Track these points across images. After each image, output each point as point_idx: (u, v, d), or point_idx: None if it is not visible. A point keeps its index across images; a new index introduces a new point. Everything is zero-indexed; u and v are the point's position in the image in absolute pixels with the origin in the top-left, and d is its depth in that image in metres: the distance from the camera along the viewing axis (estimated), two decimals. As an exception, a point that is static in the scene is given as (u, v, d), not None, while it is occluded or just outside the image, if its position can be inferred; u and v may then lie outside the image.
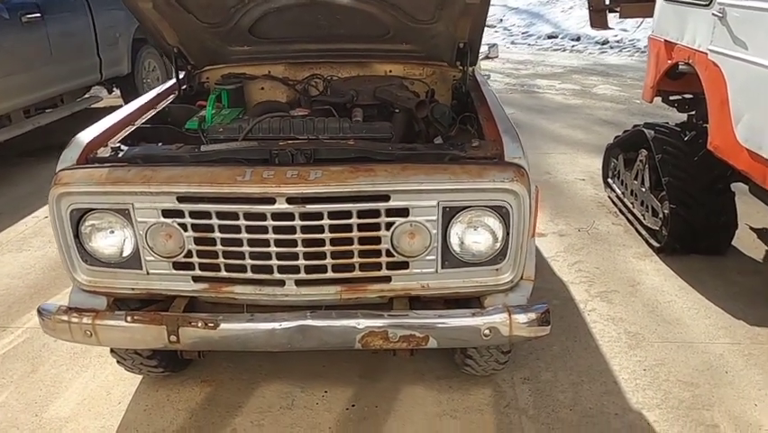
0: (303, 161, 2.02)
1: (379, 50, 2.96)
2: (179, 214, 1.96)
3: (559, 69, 9.76)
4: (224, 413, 2.51)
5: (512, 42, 13.19)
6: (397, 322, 1.98)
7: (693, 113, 4.16)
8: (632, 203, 4.15)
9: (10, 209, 4.49)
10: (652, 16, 4.29)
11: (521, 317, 1.99)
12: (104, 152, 2.12)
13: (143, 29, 2.60)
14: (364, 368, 2.72)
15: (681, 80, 3.94)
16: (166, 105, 2.71)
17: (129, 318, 2.00)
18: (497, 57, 3.80)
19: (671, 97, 4.27)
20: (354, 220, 1.94)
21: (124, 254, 2.06)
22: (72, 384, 2.70)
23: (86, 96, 6.58)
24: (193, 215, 1.96)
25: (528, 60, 10.52)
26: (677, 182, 3.54)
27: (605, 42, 12.01)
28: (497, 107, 2.42)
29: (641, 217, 3.98)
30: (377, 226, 1.96)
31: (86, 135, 2.18)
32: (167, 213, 1.96)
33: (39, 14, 5.43)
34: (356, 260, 2.00)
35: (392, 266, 2.02)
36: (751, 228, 4.03)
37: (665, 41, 3.96)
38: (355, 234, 1.96)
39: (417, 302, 2.13)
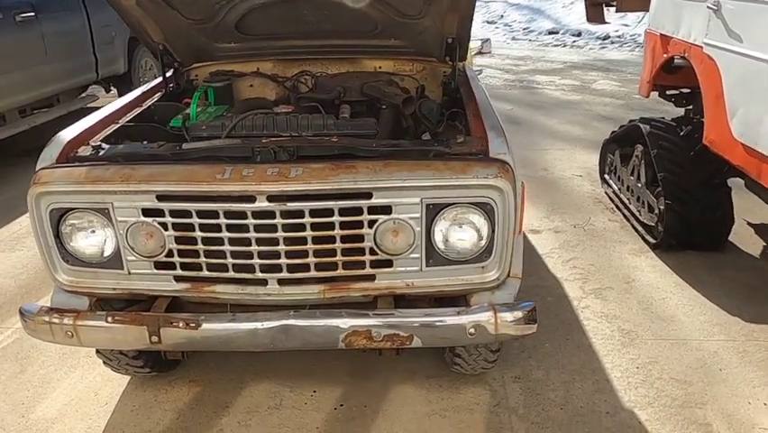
0: (286, 159, 1.99)
1: (369, 45, 2.93)
2: (159, 213, 1.93)
3: (559, 65, 9.70)
4: (211, 413, 2.49)
5: (513, 38, 13.15)
6: (380, 321, 1.95)
7: (690, 107, 4.12)
8: (628, 199, 4.11)
9: (5, 209, 4.48)
10: (648, 10, 4.25)
11: (507, 316, 1.96)
12: (84, 151, 2.10)
13: (128, 26, 2.57)
14: (354, 367, 2.69)
15: (678, 75, 3.90)
16: (152, 104, 2.68)
17: (110, 319, 1.98)
18: (490, 52, 3.79)
19: (667, 92, 4.23)
20: (336, 218, 1.91)
21: (105, 254, 2.03)
22: (60, 385, 2.68)
23: (83, 95, 6.57)
24: (173, 213, 1.93)
25: (528, 56, 10.46)
26: (672, 177, 3.50)
27: (606, 38, 11.95)
28: (484, 103, 2.39)
29: (637, 213, 3.94)
30: (359, 224, 1.93)
31: (67, 134, 2.16)
32: (147, 212, 1.94)
33: (33, 14, 5.41)
34: (339, 258, 1.97)
35: (376, 264, 1.99)
36: (749, 224, 3.99)
37: (661, 34, 3.92)
38: (337, 232, 1.93)
39: (404, 301, 2.10)
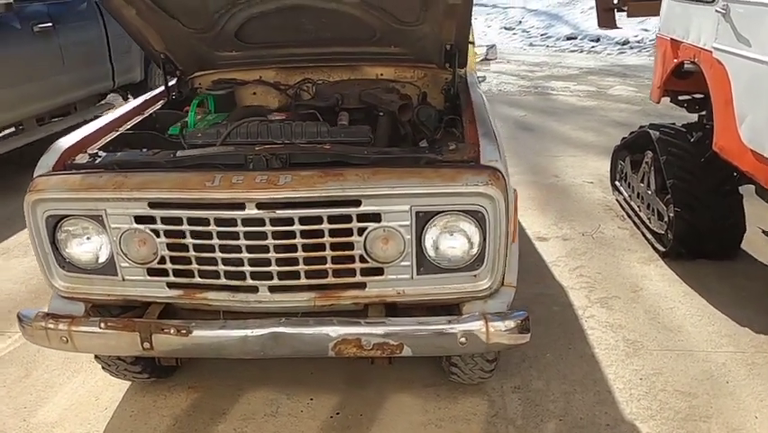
0: (278, 166, 1.99)
1: (369, 53, 2.93)
2: (151, 220, 1.95)
3: (575, 71, 9.61)
4: (207, 420, 2.49)
5: (530, 44, 13.06)
6: (370, 330, 1.94)
7: (704, 113, 4.04)
8: (638, 206, 4.04)
9: (18, 216, 4.54)
10: (659, 15, 4.19)
11: (499, 325, 1.93)
12: (81, 159, 2.13)
13: (129, 35, 2.60)
14: (351, 375, 2.68)
15: (689, 80, 3.83)
16: (153, 112, 2.71)
17: (102, 325, 2.00)
18: (495, 58, 3.75)
19: (679, 97, 4.16)
20: (326, 225, 1.91)
21: (100, 261, 2.06)
22: (62, 389, 2.72)
23: (102, 102, 6.68)
24: (165, 221, 1.94)
25: (544, 62, 10.39)
26: (682, 184, 3.43)
27: (625, 43, 11.80)
28: (480, 110, 2.37)
29: (647, 221, 3.87)
30: (349, 232, 1.92)
31: (65, 142, 2.19)
32: (139, 219, 1.96)
33: (50, 24, 5.53)
34: (329, 266, 1.97)
35: (366, 272, 1.98)
36: (764, 232, 3.89)
37: (671, 39, 3.86)
38: (327, 239, 1.92)
39: (396, 309, 2.09)
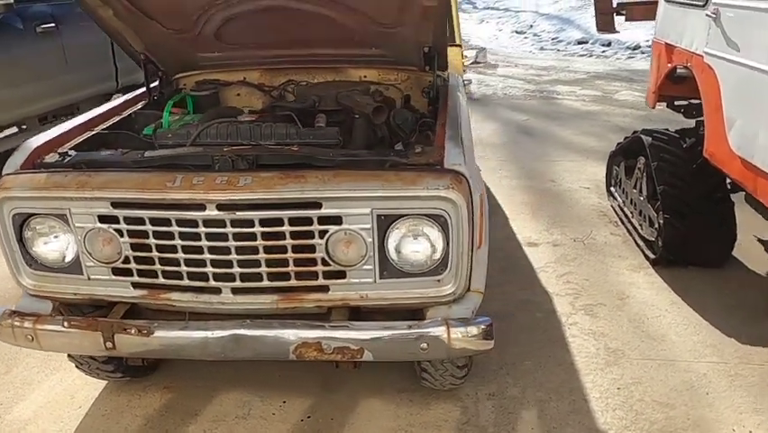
0: (244, 168, 1.99)
1: (352, 55, 2.91)
2: (115, 219, 1.95)
3: (582, 75, 9.52)
4: (179, 421, 2.49)
5: (541, 48, 12.97)
6: (330, 334, 1.92)
7: (702, 119, 3.97)
8: (631, 212, 3.99)
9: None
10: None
11: (461, 331, 1.90)
12: (51, 158, 2.14)
13: (108, 36, 2.62)
14: (326, 378, 2.66)
15: (683, 85, 3.77)
16: (133, 112, 2.72)
17: (66, 324, 2.01)
18: (485, 62, 3.72)
19: (675, 103, 4.09)
20: (287, 228, 1.89)
21: (67, 259, 2.06)
22: (40, 387, 2.73)
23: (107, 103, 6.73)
24: (127, 220, 1.95)
25: (552, 66, 10.31)
26: (672, 191, 3.38)
27: (636, 47, 11.67)
28: (453, 113, 2.34)
29: (639, 228, 3.81)
30: (310, 234, 1.91)
31: (35, 141, 2.20)
32: (103, 218, 1.96)
33: (53, 25, 5.59)
34: (291, 268, 1.96)
35: (329, 275, 1.97)
36: (759, 240, 3.81)
37: (666, 44, 3.80)
38: (288, 241, 1.91)
39: (361, 313, 2.07)
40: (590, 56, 11.33)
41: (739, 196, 3.52)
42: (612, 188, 4.42)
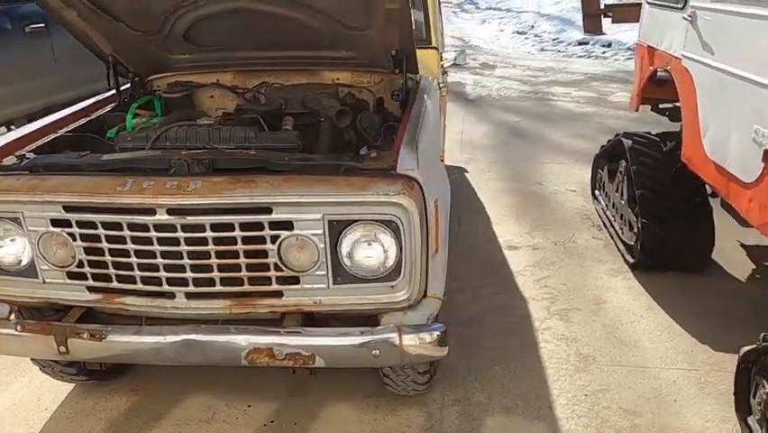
0: (200, 171, 1.98)
1: (324, 57, 2.89)
2: (67, 223, 1.95)
3: (579, 76, 9.46)
4: (142, 424, 2.48)
5: (541, 49, 12.88)
6: (282, 340, 1.91)
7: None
8: (613, 216, 3.95)
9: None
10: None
11: (413, 338, 1.89)
12: (9, 161, 2.13)
13: (75, 38, 2.61)
14: (295, 384, 2.65)
15: (666, 88, 3.74)
16: (102, 114, 2.72)
17: (20, 327, 2.00)
18: (466, 64, 3.69)
19: (660, 106, 4.06)
20: (238, 233, 1.88)
21: (23, 263, 2.06)
22: (8, 389, 2.73)
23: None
24: (80, 224, 1.94)
25: (549, 67, 10.24)
26: (650, 195, 3.34)
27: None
28: (416, 116, 2.32)
29: (619, 232, 3.78)
30: (262, 240, 1.89)
31: (-5, 144, 2.20)
32: (55, 222, 1.95)
33: (43, 25, 5.61)
34: (244, 273, 1.94)
35: (283, 281, 1.96)
36: (741, 245, 3.77)
37: (648, 46, 3.77)
38: (240, 247, 1.90)
39: (316, 319, 2.05)
40: (590, 57, 11.25)
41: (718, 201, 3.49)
42: (596, 192, 4.39)
